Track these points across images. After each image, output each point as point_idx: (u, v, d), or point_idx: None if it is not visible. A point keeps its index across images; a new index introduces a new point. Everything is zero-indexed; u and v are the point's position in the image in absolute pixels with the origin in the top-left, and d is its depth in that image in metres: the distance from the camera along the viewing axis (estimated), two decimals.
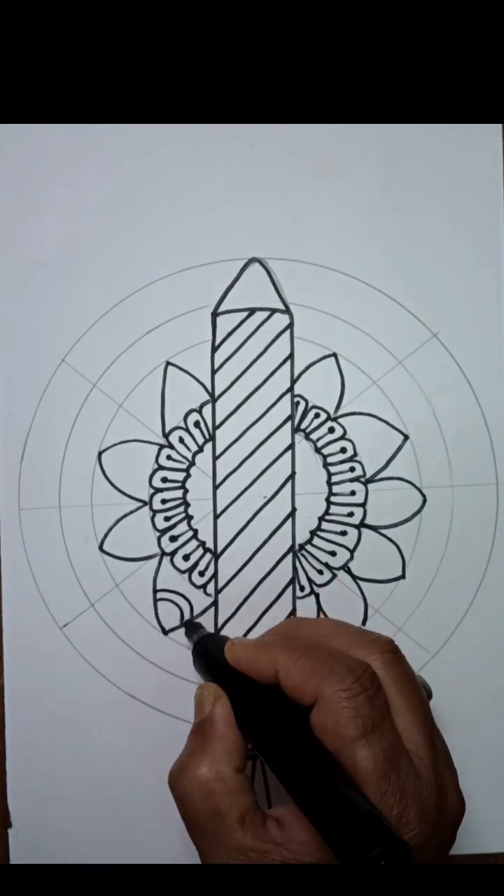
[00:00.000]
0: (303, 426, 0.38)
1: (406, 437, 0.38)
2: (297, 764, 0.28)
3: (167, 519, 0.38)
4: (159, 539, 0.38)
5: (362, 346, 0.38)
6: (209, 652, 0.34)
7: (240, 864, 0.28)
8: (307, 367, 0.38)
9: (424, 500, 0.38)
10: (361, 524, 0.38)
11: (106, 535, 0.38)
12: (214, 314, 0.38)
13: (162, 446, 0.38)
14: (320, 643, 0.30)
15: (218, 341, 0.38)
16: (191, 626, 0.37)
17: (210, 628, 0.38)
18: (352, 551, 0.38)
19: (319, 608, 0.38)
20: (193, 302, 0.38)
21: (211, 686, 0.32)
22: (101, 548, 0.38)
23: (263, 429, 0.38)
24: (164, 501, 0.38)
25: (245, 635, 0.38)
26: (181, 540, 0.38)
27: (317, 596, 0.38)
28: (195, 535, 0.38)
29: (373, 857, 0.23)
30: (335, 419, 0.38)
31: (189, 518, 0.38)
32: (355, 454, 0.38)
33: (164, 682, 0.38)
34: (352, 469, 0.38)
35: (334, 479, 0.38)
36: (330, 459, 0.38)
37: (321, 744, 0.27)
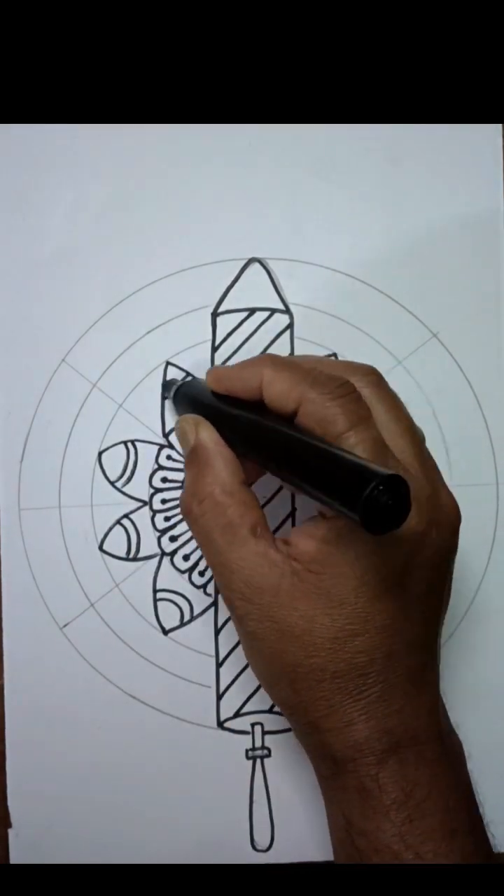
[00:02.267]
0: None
1: None
2: (289, 444, 0.28)
3: (167, 519, 0.38)
4: (159, 539, 0.38)
5: (362, 346, 0.38)
6: (187, 394, 0.35)
7: (244, 583, 0.29)
8: None
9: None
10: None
11: (106, 535, 0.38)
12: (214, 314, 0.38)
13: (162, 446, 0.38)
14: (305, 361, 0.31)
15: (218, 341, 0.38)
16: (166, 384, 0.37)
17: (210, 628, 0.38)
18: None
19: None
20: (193, 302, 0.38)
21: (188, 416, 0.33)
22: (101, 548, 0.38)
23: None
24: (164, 501, 0.38)
25: None
26: (181, 540, 0.38)
27: None
28: None
29: (374, 493, 0.23)
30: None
31: None
32: None
33: (164, 682, 0.38)
34: None
35: None
36: None
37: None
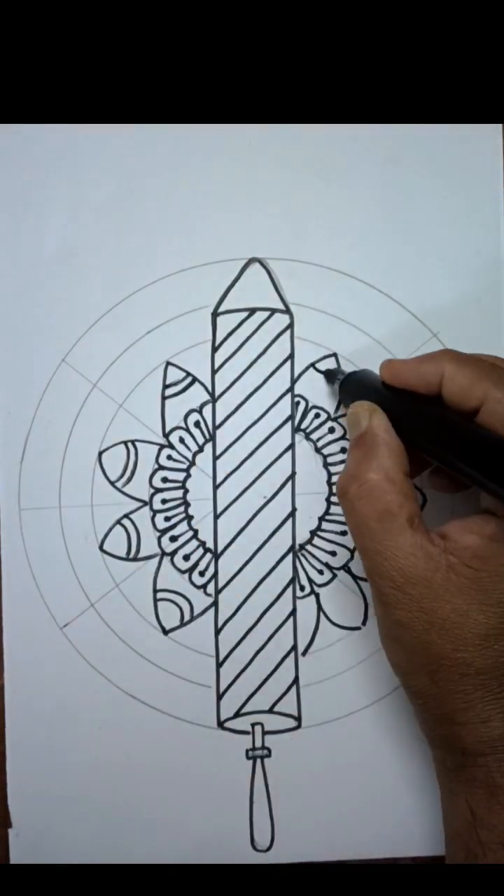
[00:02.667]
0: (303, 426, 0.38)
1: None
2: (473, 440, 0.29)
3: (167, 519, 0.38)
4: (159, 539, 0.38)
5: (362, 346, 0.38)
6: (358, 382, 0.35)
7: (397, 572, 0.29)
8: (307, 368, 0.38)
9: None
10: None
11: (106, 536, 0.38)
12: (214, 314, 0.38)
13: (162, 446, 0.38)
14: (487, 357, 0.31)
15: (218, 341, 0.38)
16: (331, 371, 0.37)
17: (210, 628, 0.38)
18: (352, 551, 0.38)
19: (320, 608, 0.38)
20: (193, 302, 0.38)
21: (364, 402, 0.32)
22: (101, 548, 0.38)
23: (264, 429, 0.38)
24: (164, 501, 0.38)
25: (245, 635, 0.38)
26: (181, 540, 0.38)
27: (317, 596, 0.38)
28: (195, 535, 0.38)
29: None
30: (335, 419, 0.38)
31: (189, 518, 0.38)
32: None
33: (164, 682, 0.38)
34: None
35: (335, 479, 0.38)
36: (330, 459, 0.38)
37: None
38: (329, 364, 0.38)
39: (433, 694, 0.29)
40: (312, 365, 0.38)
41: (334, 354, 0.38)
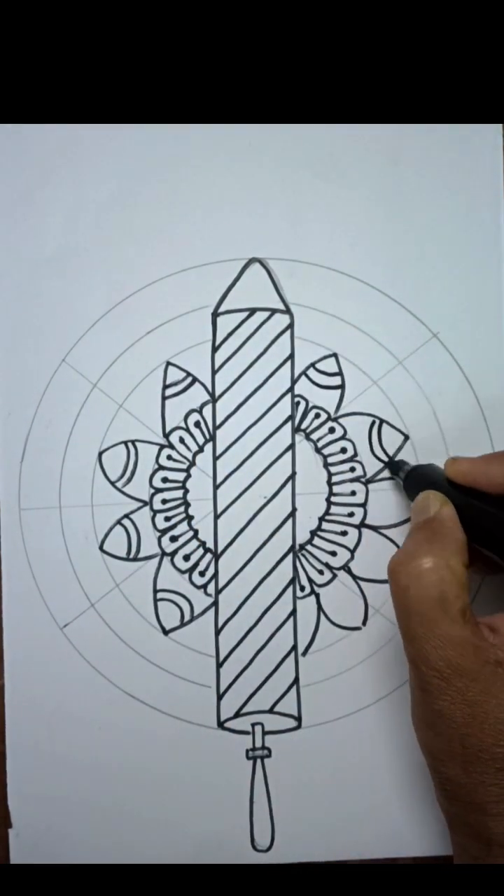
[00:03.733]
0: (303, 426, 0.38)
1: (406, 437, 0.38)
2: None
3: (167, 519, 0.38)
4: (159, 539, 0.38)
5: (362, 347, 0.38)
6: (424, 475, 0.35)
7: (444, 662, 0.28)
8: (307, 367, 0.38)
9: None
10: (362, 524, 0.38)
11: (106, 535, 0.38)
12: (215, 314, 0.38)
13: (162, 446, 0.38)
14: None
15: (218, 341, 0.38)
16: (395, 463, 0.37)
17: (210, 628, 0.38)
18: (352, 551, 0.38)
19: (320, 608, 0.38)
20: (193, 302, 0.38)
21: (435, 492, 0.32)
22: (101, 548, 0.38)
23: (264, 429, 0.38)
24: (164, 501, 0.38)
25: (245, 635, 0.38)
26: (181, 540, 0.38)
27: (317, 596, 0.38)
28: (195, 535, 0.38)
29: None
30: (335, 419, 0.38)
31: (189, 518, 0.38)
32: (356, 454, 0.38)
33: (164, 682, 0.38)
34: (352, 469, 0.38)
35: (335, 479, 0.38)
36: (330, 459, 0.38)
37: None
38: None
39: (465, 783, 0.29)
40: (313, 365, 0.38)
41: (334, 354, 0.38)
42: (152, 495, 0.38)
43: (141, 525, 0.38)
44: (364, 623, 0.38)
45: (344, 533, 0.38)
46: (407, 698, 0.31)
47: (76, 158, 0.38)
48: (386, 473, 0.38)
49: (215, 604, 0.38)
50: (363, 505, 0.38)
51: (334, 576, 0.38)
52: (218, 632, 0.38)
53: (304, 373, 0.38)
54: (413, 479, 0.36)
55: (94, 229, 0.38)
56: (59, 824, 0.37)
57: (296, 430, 0.38)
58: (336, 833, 0.38)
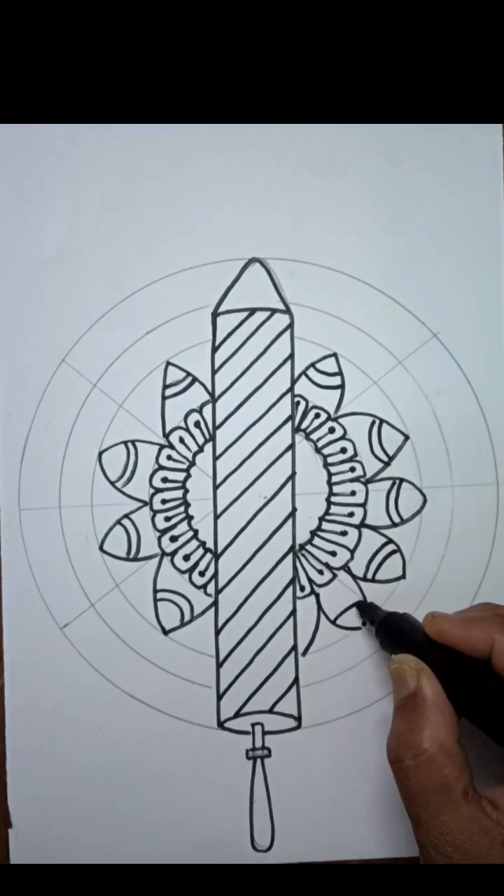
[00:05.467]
0: (303, 426, 0.38)
1: (406, 437, 0.38)
2: None
3: (167, 519, 0.38)
4: (159, 539, 0.38)
5: (362, 346, 0.38)
6: (399, 628, 0.34)
7: (452, 848, 0.28)
8: (307, 367, 0.38)
9: (425, 500, 0.38)
10: (362, 524, 0.38)
11: (106, 535, 0.38)
12: (215, 314, 0.38)
13: (162, 446, 0.38)
14: None
15: (218, 341, 0.38)
16: (365, 607, 0.37)
17: (210, 628, 0.38)
18: (352, 551, 0.38)
19: (320, 608, 0.38)
20: (193, 302, 0.38)
21: (410, 658, 0.32)
22: (101, 548, 0.38)
23: (264, 429, 0.38)
24: (164, 501, 0.38)
25: (245, 635, 0.38)
26: (181, 540, 0.38)
27: (317, 596, 0.38)
28: (195, 535, 0.38)
29: None
30: (335, 419, 0.38)
31: (189, 518, 0.38)
32: (355, 454, 0.38)
33: (164, 682, 0.38)
34: (352, 469, 0.38)
35: (335, 479, 0.38)
36: (330, 459, 0.38)
37: None
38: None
39: None
40: (313, 365, 0.38)
41: (334, 354, 0.38)
42: (152, 495, 0.38)
43: (141, 525, 0.38)
44: (364, 623, 0.38)
45: (344, 533, 0.38)
46: None
47: (76, 158, 0.38)
48: (386, 474, 0.38)
49: (215, 604, 0.38)
50: (363, 505, 0.38)
51: (334, 576, 0.38)
52: (218, 632, 0.38)
53: (304, 373, 0.38)
54: (386, 631, 0.35)
55: (94, 229, 0.38)
56: (59, 824, 0.37)
57: (296, 429, 0.38)
58: (336, 833, 0.38)
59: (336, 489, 0.38)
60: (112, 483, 0.38)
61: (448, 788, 0.29)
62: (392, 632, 0.35)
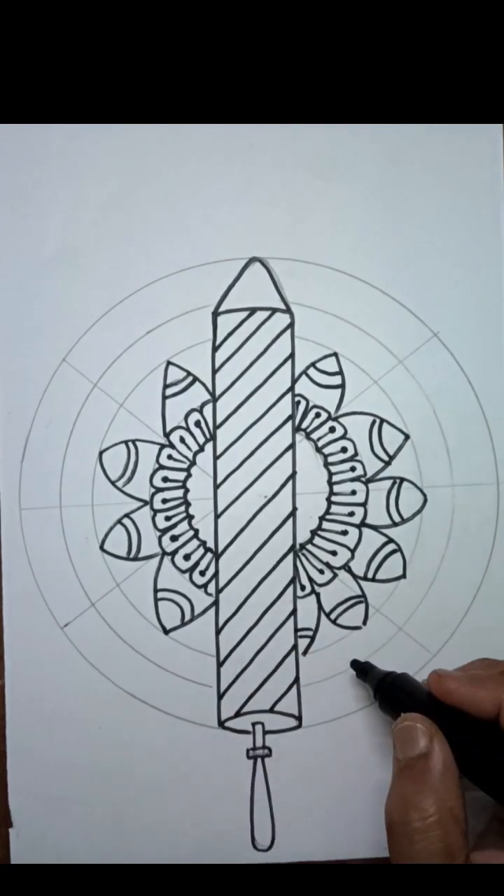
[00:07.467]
0: (303, 426, 0.38)
1: (406, 437, 0.38)
2: None
3: (168, 518, 0.38)
4: (160, 538, 0.38)
5: (363, 346, 0.38)
6: (400, 688, 0.34)
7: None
8: (308, 367, 0.38)
9: (425, 500, 0.38)
10: (362, 524, 0.38)
11: (106, 535, 0.38)
12: (215, 314, 0.38)
13: (163, 446, 0.38)
14: None
15: (219, 341, 0.38)
16: (362, 667, 0.36)
17: (211, 628, 0.38)
18: (352, 551, 0.38)
19: (320, 608, 0.38)
20: (194, 302, 0.38)
21: (423, 719, 0.31)
22: (101, 547, 0.38)
23: (264, 428, 0.38)
24: (164, 501, 0.38)
25: (245, 635, 0.38)
26: (182, 539, 0.38)
27: (317, 595, 0.38)
28: (196, 535, 0.38)
29: None
30: (336, 419, 0.38)
31: (190, 517, 0.38)
32: (356, 454, 0.38)
33: (165, 682, 0.38)
34: (352, 469, 0.38)
35: (335, 478, 0.38)
36: (331, 459, 0.38)
37: None
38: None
39: None
40: (313, 364, 0.38)
41: (335, 354, 0.38)
42: (153, 495, 0.38)
43: (141, 524, 0.38)
44: (364, 623, 0.38)
45: (344, 532, 0.38)
46: None
47: (76, 158, 0.38)
48: (386, 473, 0.38)
49: (216, 603, 0.38)
50: (363, 504, 0.38)
51: (335, 575, 0.38)
52: (218, 631, 0.38)
53: (304, 372, 0.38)
54: (387, 691, 0.34)
55: (94, 229, 0.38)
56: (59, 824, 0.37)
57: (296, 429, 0.38)
58: (336, 833, 0.38)
59: (336, 488, 0.38)
60: (112, 482, 0.38)
61: (453, 855, 0.28)
62: (394, 694, 0.34)
